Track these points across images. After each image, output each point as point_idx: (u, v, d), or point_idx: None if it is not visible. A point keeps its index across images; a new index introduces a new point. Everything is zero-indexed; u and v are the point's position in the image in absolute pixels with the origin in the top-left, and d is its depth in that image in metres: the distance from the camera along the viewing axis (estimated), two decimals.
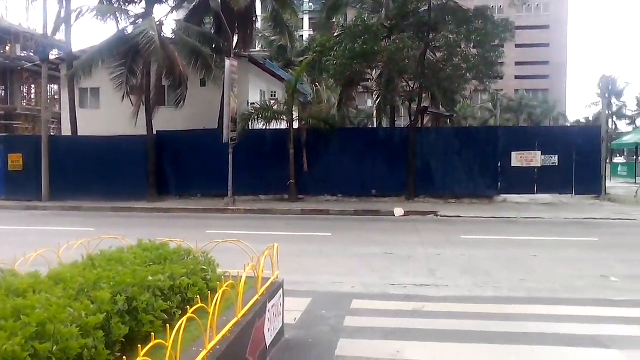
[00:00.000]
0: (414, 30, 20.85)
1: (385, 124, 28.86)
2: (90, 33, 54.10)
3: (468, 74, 20.69)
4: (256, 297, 4.33)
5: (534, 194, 20.32)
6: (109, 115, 23.26)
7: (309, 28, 68.05)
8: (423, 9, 21.01)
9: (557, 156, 20.11)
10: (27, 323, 2.64)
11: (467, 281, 8.27)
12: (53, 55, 27.30)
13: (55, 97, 35.59)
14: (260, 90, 26.72)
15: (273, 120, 21.21)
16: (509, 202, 19.82)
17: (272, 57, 31.20)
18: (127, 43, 20.04)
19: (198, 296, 3.84)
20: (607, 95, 63.79)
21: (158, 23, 20.36)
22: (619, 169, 36.66)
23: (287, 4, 26.53)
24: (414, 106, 22.65)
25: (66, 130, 24.73)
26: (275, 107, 21.78)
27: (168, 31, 31.04)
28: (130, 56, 20.42)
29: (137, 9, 22.50)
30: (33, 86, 39.98)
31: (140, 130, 20.57)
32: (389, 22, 21.51)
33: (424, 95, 23.04)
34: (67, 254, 4.61)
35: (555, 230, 14.09)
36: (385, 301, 7.10)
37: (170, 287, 3.80)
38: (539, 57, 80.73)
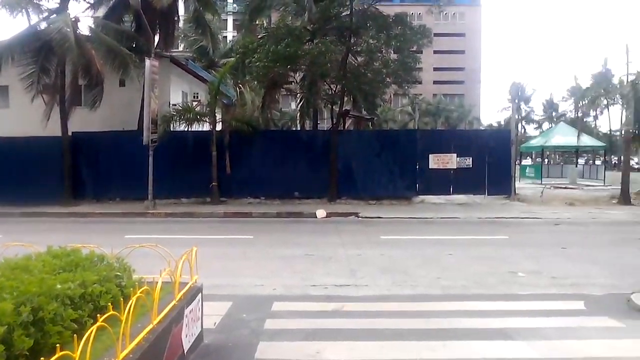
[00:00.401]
0: (336, 34, 21.20)
1: (308, 126, 29.08)
2: None
3: (388, 79, 21.29)
4: (173, 302, 4.26)
5: (450, 194, 21.17)
6: (19, 115, 21.94)
7: (233, 29, 67.43)
8: (345, 13, 21.36)
9: (471, 158, 21.07)
10: None
11: (386, 280, 8.50)
12: None
13: None
14: (182, 91, 26.17)
15: (195, 122, 20.84)
16: (427, 203, 20.54)
17: (194, 58, 30.65)
18: (40, 39, 19.01)
19: (110, 304, 3.72)
20: (516, 101, 67.35)
21: (73, 19, 19.48)
22: (527, 170, 38.80)
23: (209, 4, 26.11)
24: (337, 109, 22.99)
25: None
26: (197, 109, 21.41)
27: (85, 28, 29.68)
28: (42, 53, 19.33)
29: (51, 3, 21.44)
30: None
31: (55, 131, 19.64)
32: (311, 25, 21.71)
33: (345, 99, 23.45)
34: None
35: (470, 229, 14.73)
36: (306, 302, 7.18)
37: (81, 295, 3.67)
38: (455, 63, 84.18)
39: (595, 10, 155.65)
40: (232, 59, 22.63)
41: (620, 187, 21.62)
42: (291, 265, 9.62)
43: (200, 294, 5.12)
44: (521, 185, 26.87)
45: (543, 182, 31.10)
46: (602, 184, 30.01)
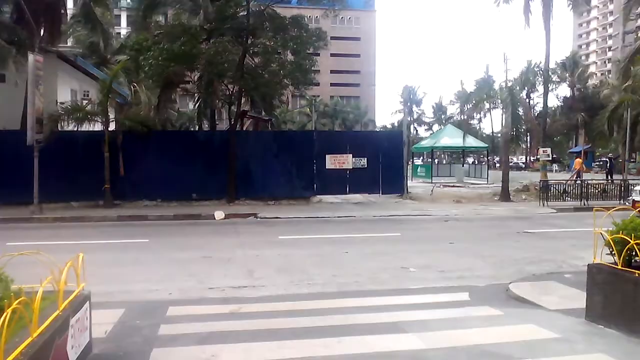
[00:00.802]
0: (234, 34, 20.97)
1: (206, 127, 28.56)
2: None
3: (285, 80, 21.39)
4: (56, 312, 4.03)
5: (346, 194, 21.71)
6: None
7: (127, 26, 64.63)
8: (242, 13, 21.19)
9: (366, 159, 21.74)
10: None
11: (284, 280, 8.57)
12: None
13: None
14: (72, 89, 24.69)
15: (86, 122, 19.73)
16: (324, 203, 20.92)
17: (84, 54, 29.01)
18: None
19: None
20: (408, 104, 70.49)
21: None
22: (419, 170, 40.65)
23: None
24: (235, 109, 22.78)
25: None
26: (88, 108, 20.31)
27: None
28: None
29: None
30: None
31: None
32: (208, 24, 21.33)
33: (243, 99, 23.28)
34: None
35: (365, 227, 15.19)
36: (203, 305, 7.08)
37: None
38: (351, 66, 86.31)
39: (479, 19, 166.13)
40: (125, 56, 21.66)
41: (501, 185, 23.22)
42: (188, 269, 9.42)
43: (87, 302, 4.87)
44: (413, 184, 28.09)
45: (433, 181, 32.72)
46: (486, 182, 32.09)
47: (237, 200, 20.35)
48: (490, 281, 8.46)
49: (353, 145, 22.02)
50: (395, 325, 6.11)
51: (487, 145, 46.44)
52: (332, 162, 21.49)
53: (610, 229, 6.00)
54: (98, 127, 20.08)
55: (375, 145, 22.35)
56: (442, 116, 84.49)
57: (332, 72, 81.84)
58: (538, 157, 31.31)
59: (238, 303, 7.08)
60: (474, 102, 32.40)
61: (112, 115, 20.27)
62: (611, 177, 26.81)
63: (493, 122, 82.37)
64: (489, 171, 36.57)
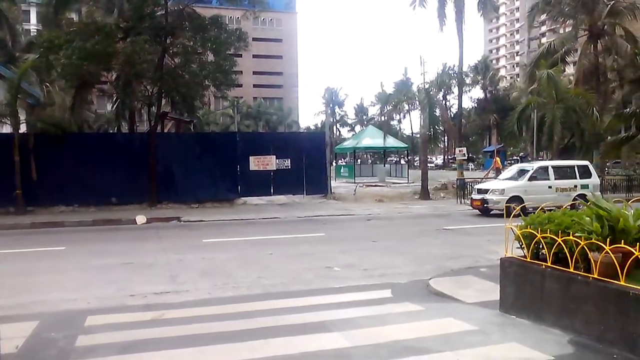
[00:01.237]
0: (152, 33, 20.38)
1: (125, 129, 27.62)
2: None
3: (206, 81, 21.07)
4: None
5: (270, 195, 21.69)
6: None
7: (37, 22, 61.18)
8: (160, 13, 20.67)
9: (289, 160, 21.82)
10: None
11: (208, 284, 8.45)
12: None
13: None
14: None
15: None
16: (249, 205, 20.81)
17: None
18: None
19: None
20: (330, 105, 71.37)
21: None
22: (342, 170, 41.24)
23: None
24: (155, 111, 22.17)
25: None
26: None
27: None
28: None
29: None
30: None
31: None
32: (124, 23, 20.63)
33: (164, 101, 22.71)
34: None
35: (289, 228, 15.23)
36: (123, 313, 6.84)
37: None
38: (274, 67, 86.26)
39: (398, 23, 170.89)
40: (36, 54, 20.52)
41: (420, 184, 23.98)
42: (108, 276, 9.08)
43: None
44: (336, 185, 28.47)
45: (356, 181, 33.29)
46: (407, 182, 33.04)
47: (159, 204, 19.84)
48: (412, 278, 8.73)
49: (276, 146, 22.06)
50: (320, 324, 6.18)
51: (407, 145, 47.81)
52: (256, 163, 21.41)
53: (521, 224, 6.36)
54: (7, 129, 18.96)
55: (298, 146, 22.48)
56: (364, 117, 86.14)
57: (254, 73, 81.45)
58: (455, 156, 32.62)
59: (160, 309, 6.91)
60: (393, 103, 33.37)
61: (22, 117, 19.20)
62: None
63: (412, 123, 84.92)
64: (409, 171, 37.66)
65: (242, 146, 21.64)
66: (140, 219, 16.89)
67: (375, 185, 30.62)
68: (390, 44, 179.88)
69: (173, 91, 21.43)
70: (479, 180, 24.06)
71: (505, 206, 16.36)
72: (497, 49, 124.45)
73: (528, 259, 6.10)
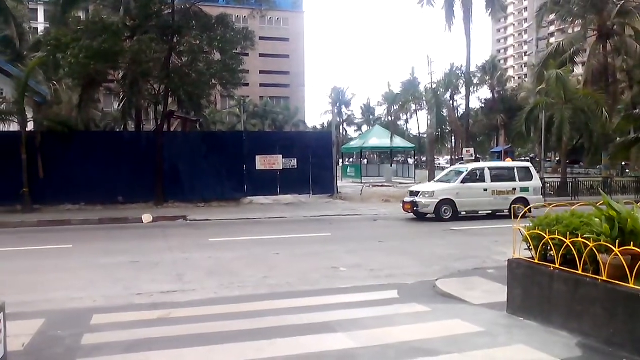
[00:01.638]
0: (159, 32, 20.41)
1: (132, 127, 27.69)
2: None
3: (213, 80, 21.07)
4: None
5: (277, 195, 21.67)
6: None
7: (45, 20, 61.45)
8: (167, 11, 20.70)
9: (296, 159, 21.80)
10: None
11: (214, 283, 8.45)
12: None
13: None
14: None
15: (1, 122, 18.68)
16: (255, 204, 20.80)
17: None
18: None
19: None
20: (337, 105, 71.32)
21: None
22: (348, 170, 41.17)
23: None
24: (161, 109, 22.22)
25: None
26: (2, 107, 19.19)
27: None
28: None
29: None
30: None
31: None
32: (131, 21, 20.67)
33: (170, 99, 22.75)
34: None
35: (296, 228, 15.22)
36: (130, 312, 6.85)
37: None
38: (280, 67, 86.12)
39: (405, 22, 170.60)
40: (42, 53, 20.59)
41: None
42: (114, 274, 9.11)
43: (2, 313, 4.59)
44: (343, 184, 28.40)
45: (363, 181, 33.21)
46: (413, 182, 32.90)
47: (165, 203, 19.87)
48: (418, 278, 8.70)
49: (283, 146, 22.04)
50: (326, 325, 6.16)
51: (414, 145, 47.67)
52: (263, 163, 21.41)
53: (529, 225, 6.31)
54: (15, 127, 19.06)
55: (305, 146, 22.45)
56: (371, 117, 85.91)
57: (261, 72, 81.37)
58: (462, 157, 32.51)
59: (167, 308, 6.91)
60: (400, 103, 33.25)
61: (30, 115, 19.28)
62: None
63: (419, 123, 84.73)
64: (416, 171, 37.56)
65: (248, 145, 21.65)
66: (147, 217, 16.93)
67: (382, 186, 30.53)
68: (398, 44, 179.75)
69: (180, 90, 21.45)
70: None
71: (435, 209, 16.21)
72: (505, 49, 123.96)
73: (536, 261, 6.06)
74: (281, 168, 21.67)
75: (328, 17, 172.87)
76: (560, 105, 24.55)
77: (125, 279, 8.77)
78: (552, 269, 5.76)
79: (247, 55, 22.83)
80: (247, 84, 28.80)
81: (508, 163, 18.76)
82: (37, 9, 62.62)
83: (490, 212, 17.19)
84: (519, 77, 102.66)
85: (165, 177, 20.10)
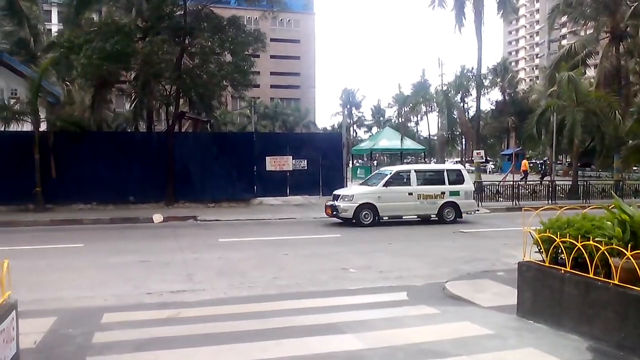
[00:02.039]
0: (170, 34, 20.55)
1: (143, 128, 27.87)
2: None
3: (224, 81, 21.15)
4: None
5: (286, 196, 21.71)
6: None
7: (59, 22, 62.00)
8: (179, 13, 20.83)
9: (306, 160, 21.83)
10: None
11: (224, 283, 8.48)
12: None
13: None
14: None
15: (15, 122, 18.87)
16: (265, 205, 20.84)
17: (12, 50, 27.61)
18: None
19: None
20: (347, 106, 71.30)
21: None
22: (358, 171, 41.10)
23: None
24: (173, 110, 22.35)
25: None
26: (16, 107, 19.39)
27: None
28: None
29: None
30: None
31: None
32: (143, 23, 20.82)
33: (182, 100, 22.87)
34: None
35: (305, 229, 15.23)
36: (140, 311, 6.88)
37: None
38: (291, 68, 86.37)
39: (416, 24, 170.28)
40: (55, 53, 20.76)
41: None
42: (124, 273, 9.17)
43: (14, 311, 4.63)
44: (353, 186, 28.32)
45: None
46: None
47: (176, 203, 19.96)
48: (428, 280, 8.67)
49: (293, 147, 22.08)
50: (334, 326, 6.15)
51: (424, 147, 47.57)
52: (273, 164, 21.45)
53: (539, 227, 6.28)
54: (28, 127, 19.25)
55: (315, 147, 22.47)
56: (381, 119, 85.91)
57: (272, 73, 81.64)
58: (473, 159, 32.39)
59: (177, 308, 6.95)
60: (411, 105, 33.19)
61: (43, 115, 19.47)
62: (544, 178, 28.10)
63: (430, 124, 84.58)
64: None
65: (258, 146, 21.71)
66: (157, 217, 17.01)
67: None
68: (408, 46, 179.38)
69: (191, 91, 21.57)
70: (497, 183, 23.86)
71: (354, 214, 15.48)
72: (517, 51, 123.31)
73: (546, 264, 6.02)
74: (291, 169, 21.70)
75: (339, 18, 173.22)
76: (571, 107, 24.38)
77: (136, 278, 8.83)
78: (563, 272, 5.72)
79: (258, 56, 22.92)
80: (257, 85, 28.96)
81: (437, 166, 17.59)
82: (50, 10, 63.16)
83: (417, 217, 16.67)
84: (530, 80, 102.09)
85: (176, 177, 20.20)
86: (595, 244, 5.28)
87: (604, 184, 25.59)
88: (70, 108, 20.60)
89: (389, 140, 38.76)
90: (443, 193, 16.34)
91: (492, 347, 5.36)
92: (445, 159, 43.99)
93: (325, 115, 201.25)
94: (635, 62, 28.53)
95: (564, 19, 36.17)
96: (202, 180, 20.63)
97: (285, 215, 18.16)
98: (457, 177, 16.91)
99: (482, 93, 62.18)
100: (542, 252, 6.14)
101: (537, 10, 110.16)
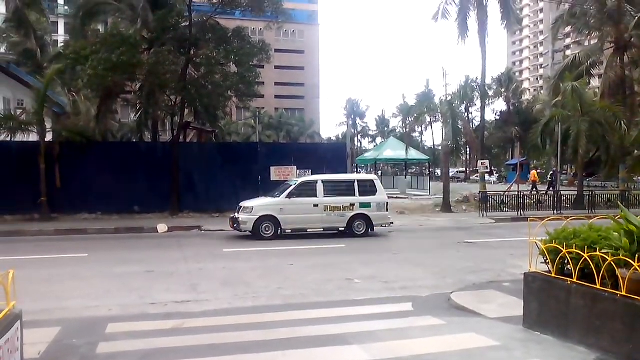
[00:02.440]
0: (176, 44, 20.68)
1: (148, 138, 27.97)
2: None
3: (229, 92, 21.24)
4: None
5: None
6: None
7: (65, 33, 62.53)
8: (184, 24, 20.97)
9: (310, 171, 21.77)
10: None
11: (228, 293, 8.46)
12: None
13: None
14: (4, 97, 23.66)
15: (21, 132, 18.99)
16: None
17: (19, 61, 27.85)
18: None
19: None
20: (352, 116, 71.41)
21: None
22: None
23: (34, 3, 24.02)
24: (178, 120, 22.43)
25: None
26: (22, 117, 19.51)
27: None
28: None
29: None
30: None
31: None
32: (149, 34, 20.97)
33: (186, 111, 22.95)
34: None
35: (310, 239, 15.16)
36: (144, 322, 6.88)
37: None
38: (295, 79, 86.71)
39: (420, 34, 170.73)
40: (59, 64, 20.90)
41: (442, 197, 23.77)
42: (129, 283, 9.16)
43: (19, 321, 4.62)
44: None
45: None
46: (428, 194, 32.76)
47: (180, 213, 19.98)
48: (433, 291, 8.63)
49: (298, 157, 22.07)
50: (340, 337, 6.12)
51: (428, 157, 47.53)
52: (277, 174, 21.44)
53: (545, 238, 6.24)
54: (34, 137, 19.36)
55: (319, 157, 22.47)
56: (385, 129, 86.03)
57: (276, 84, 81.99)
58: (477, 169, 32.32)
59: (181, 318, 6.93)
60: (415, 115, 33.16)
61: (49, 126, 19.58)
62: (554, 189, 27.93)
63: (434, 135, 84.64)
64: (430, 183, 37.39)
65: (263, 156, 21.73)
66: (162, 227, 17.02)
67: (397, 197, 30.36)
68: (412, 56, 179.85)
69: (196, 101, 21.65)
70: (502, 193, 23.79)
71: (254, 227, 14.75)
72: (521, 61, 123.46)
73: (553, 275, 5.98)
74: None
75: (343, 29, 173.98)
76: (576, 117, 24.33)
77: (140, 288, 8.82)
78: (569, 283, 5.68)
79: (262, 67, 22.99)
80: (262, 96, 29.14)
81: (347, 176, 16.03)
82: (57, 22, 63.69)
83: (323, 229, 15.77)
84: (535, 90, 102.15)
85: (180, 187, 20.24)
86: (602, 255, 5.25)
87: (610, 194, 25.47)
88: (75, 118, 20.74)
89: (394, 150, 38.74)
90: (352, 205, 15.53)
91: (498, 359, 5.32)
92: (451, 169, 43.86)
93: (330, 126, 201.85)
94: None
95: (568, 29, 36.28)
96: (207, 191, 20.65)
97: None
98: (369, 188, 15.94)
99: (487, 103, 62.31)
100: (549, 262, 6.11)
101: (541, 21, 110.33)
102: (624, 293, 5.05)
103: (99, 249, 13.58)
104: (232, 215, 15.72)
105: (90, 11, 23.28)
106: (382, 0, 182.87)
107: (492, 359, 5.31)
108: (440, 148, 57.15)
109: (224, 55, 20.46)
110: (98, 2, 23.12)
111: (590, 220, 6.36)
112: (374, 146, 68.42)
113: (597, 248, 5.43)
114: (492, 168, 56.84)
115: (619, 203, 16.61)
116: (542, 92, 73.22)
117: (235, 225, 15.34)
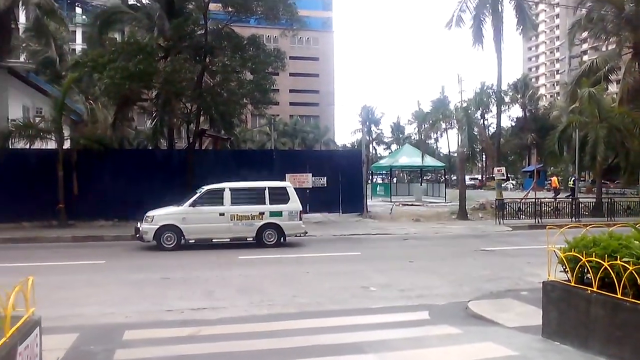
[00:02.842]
0: (192, 52, 20.85)
1: (164, 145, 28.17)
2: None
3: (244, 99, 21.34)
4: (2, 340, 3.83)
5: (306, 213, 21.42)
6: None
7: (83, 42, 63.36)
8: (200, 32, 21.13)
9: (325, 178, 21.84)
10: None
11: (244, 301, 8.46)
12: None
13: None
14: (24, 105, 24.00)
15: (39, 139, 19.24)
16: None
17: (38, 70, 28.24)
18: None
19: None
20: (367, 123, 71.30)
21: None
22: (378, 188, 40.97)
23: (53, 12, 24.37)
24: (193, 128, 22.57)
25: None
26: (41, 125, 19.76)
27: None
28: None
29: None
30: None
31: None
32: (165, 42, 21.16)
33: (202, 118, 23.09)
34: None
35: (325, 246, 15.17)
36: (161, 329, 6.90)
37: None
38: (310, 86, 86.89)
39: (435, 41, 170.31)
40: (77, 72, 21.13)
41: (458, 204, 23.62)
42: (146, 290, 9.20)
43: (38, 328, 4.66)
44: (373, 203, 28.26)
45: (392, 200, 32.97)
46: (444, 201, 32.54)
47: None
48: (450, 299, 8.55)
49: (313, 164, 22.10)
50: (355, 345, 6.09)
51: (444, 164, 47.28)
52: (292, 181, 21.42)
53: (564, 246, 6.16)
54: (52, 145, 19.60)
55: (334, 164, 22.48)
56: (401, 136, 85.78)
57: (291, 91, 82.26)
58: (493, 175, 32.06)
59: (197, 325, 6.94)
60: (430, 122, 33.02)
61: (66, 133, 19.81)
62: (573, 195, 27.59)
63: (449, 141, 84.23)
64: (446, 190, 37.19)
65: (278, 164, 21.77)
66: None
67: (412, 205, 30.28)
68: (427, 62, 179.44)
69: (211, 109, 21.78)
70: (518, 200, 23.57)
71: (155, 236, 14.24)
72: (537, 67, 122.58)
73: (572, 284, 5.90)
74: (311, 186, 21.70)
75: (358, 36, 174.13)
76: (594, 123, 24.07)
77: (157, 295, 8.86)
78: (589, 292, 5.60)
79: (277, 74, 23.10)
80: (277, 103, 29.20)
81: (257, 183, 15.72)
82: (75, 31, 64.53)
83: (229, 240, 15.14)
84: (551, 96, 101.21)
85: None
86: (623, 264, 5.16)
87: (629, 201, 25.11)
88: (93, 126, 20.97)
89: (409, 157, 38.60)
90: (262, 214, 14.87)
91: None
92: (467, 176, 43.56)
93: (345, 133, 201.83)
94: None
95: (585, 34, 35.88)
96: None
97: None
98: (280, 196, 15.28)
99: (503, 109, 61.85)
100: (568, 271, 6.02)
101: (557, 26, 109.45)
102: None
103: (115, 255, 13.68)
104: (135, 225, 15.17)
105: (107, 20, 23.54)
106: (397, 7, 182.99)
107: None
108: (455, 155, 56.93)
109: (240, 63, 20.58)
110: (115, 11, 23.39)
111: (610, 228, 6.26)
112: (389, 153, 68.25)
113: (618, 257, 5.34)
114: (509, 175, 56.38)
115: None
116: (558, 98, 72.44)
117: (137, 235, 14.79)
